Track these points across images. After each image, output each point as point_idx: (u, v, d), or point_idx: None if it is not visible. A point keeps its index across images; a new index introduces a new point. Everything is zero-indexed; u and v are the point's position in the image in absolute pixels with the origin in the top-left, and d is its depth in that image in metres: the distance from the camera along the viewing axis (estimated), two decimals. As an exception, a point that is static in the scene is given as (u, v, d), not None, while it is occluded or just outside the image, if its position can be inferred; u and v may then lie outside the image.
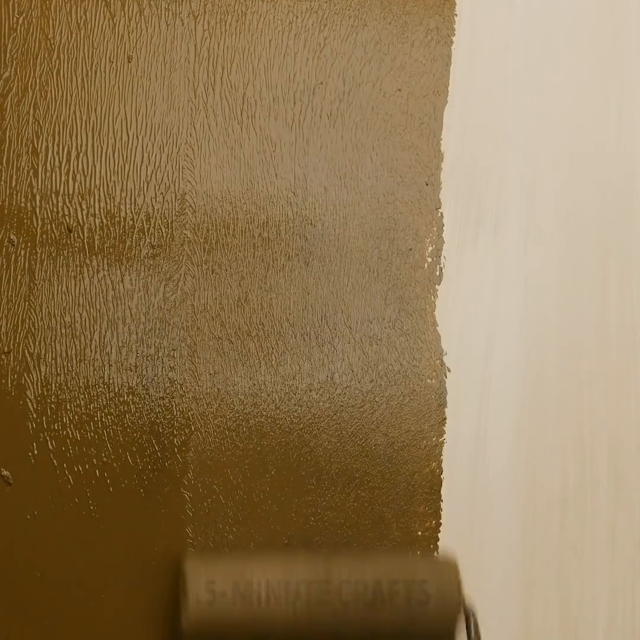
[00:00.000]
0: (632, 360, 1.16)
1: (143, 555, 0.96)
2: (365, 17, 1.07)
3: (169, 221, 0.99)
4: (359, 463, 1.04)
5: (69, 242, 0.96)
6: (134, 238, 0.98)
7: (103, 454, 0.96)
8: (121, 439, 0.96)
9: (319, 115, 1.05)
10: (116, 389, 0.97)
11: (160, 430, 0.98)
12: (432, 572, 0.99)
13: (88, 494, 0.95)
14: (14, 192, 0.94)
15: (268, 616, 0.93)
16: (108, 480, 0.96)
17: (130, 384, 0.97)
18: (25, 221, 0.95)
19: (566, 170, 1.15)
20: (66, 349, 0.95)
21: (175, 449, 0.98)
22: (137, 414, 0.97)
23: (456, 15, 1.11)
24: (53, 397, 0.95)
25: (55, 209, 0.96)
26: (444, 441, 1.08)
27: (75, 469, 0.95)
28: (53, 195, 0.96)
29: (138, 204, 0.98)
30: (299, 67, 1.05)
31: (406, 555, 1.04)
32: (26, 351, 0.94)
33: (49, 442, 0.94)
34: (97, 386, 0.96)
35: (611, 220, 1.17)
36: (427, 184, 1.09)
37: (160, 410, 0.98)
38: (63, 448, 0.95)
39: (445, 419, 1.08)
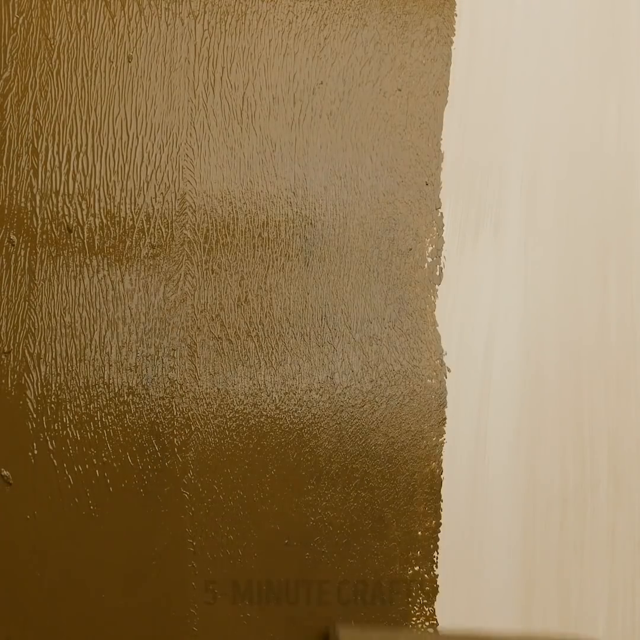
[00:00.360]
0: (632, 360, 1.15)
1: (143, 555, 0.96)
2: (365, 17, 1.07)
3: (169, 221, 0.99)
4: (359, 463, 1.04)
5: (69, 242, 0.96)
6: (134, 238, 0.98)
7: (103, 454, 0.96)
8: (121, 439, 0.96)
9: (319, 115, 1.05)
10: (116, 389, 0.96)
11: (160, 430, 0.98)
12: None
13: (88, 494, 0.95)
14: (14, 192, 0.94)
15: None
16: (108, 480, 0.96)
17: (130, 384, 0.97)
18: (25, 221, 0.95)
19: (566, 170, 1.16)
20: (66, 349, 0.95)
21: (175, 449, 0.98)
22: (137, 414, 0.97)
23: (456, 15, 1.11)
24: (53, 397, 0.95)
25: (55, 209, 0.96)
26: (444, 441, 1.08)
27: (75, 469, 0.95)
28: (53, 195, 0.96)
29: (138, 204, 0.98)
30: (299, 67, 1.05)
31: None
32: (26, 351, 0.94)
33: (49, 442, 0.94)
34: (97, 386, 0.96)
35: (611, 220, 1.17)
36: (427, 184, 1.09)
37: (160, 410, 0.98)
38: (63, 448, 0.95)
39: (445, 419, 1.08)
